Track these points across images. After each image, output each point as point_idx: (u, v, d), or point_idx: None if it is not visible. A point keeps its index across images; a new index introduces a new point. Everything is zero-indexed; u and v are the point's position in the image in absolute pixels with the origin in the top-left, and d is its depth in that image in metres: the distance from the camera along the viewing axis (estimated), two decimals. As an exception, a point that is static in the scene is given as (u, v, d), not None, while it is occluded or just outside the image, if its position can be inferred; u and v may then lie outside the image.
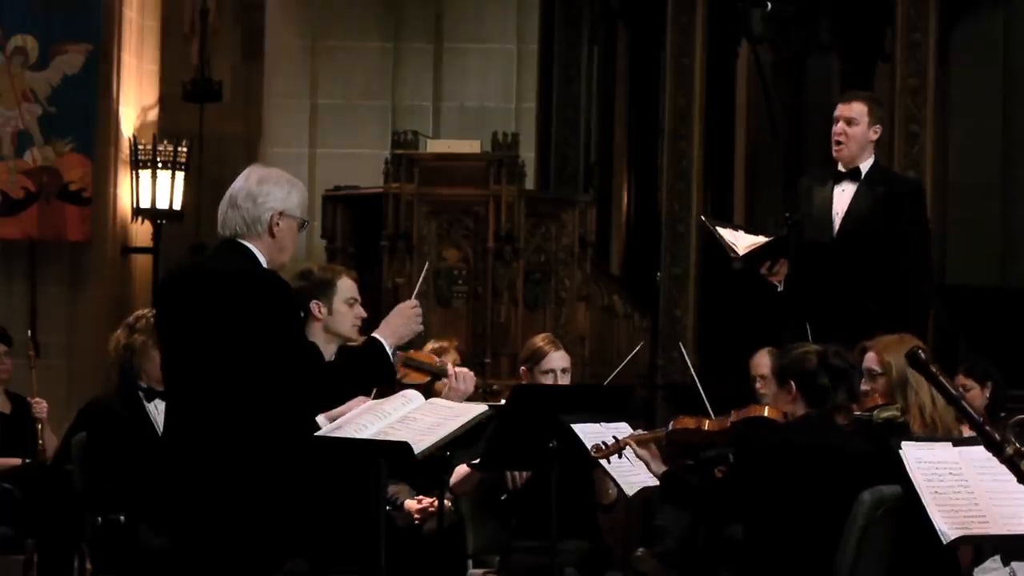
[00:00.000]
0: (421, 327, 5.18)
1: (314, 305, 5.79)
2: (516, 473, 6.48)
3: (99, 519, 6.66)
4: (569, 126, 11.51)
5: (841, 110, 7.23)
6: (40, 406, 8.43)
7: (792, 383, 5.55)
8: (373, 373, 5.05)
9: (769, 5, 10.55)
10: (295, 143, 10.87)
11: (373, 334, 5.05)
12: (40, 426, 8.38)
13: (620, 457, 5.99)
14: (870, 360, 5.79)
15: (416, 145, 10.03)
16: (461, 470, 6.42)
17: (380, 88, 10.93)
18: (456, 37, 10.96)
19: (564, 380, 6.68)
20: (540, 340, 6.82)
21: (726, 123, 11.45)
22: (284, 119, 10.99)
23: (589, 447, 5.89)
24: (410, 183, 9.80)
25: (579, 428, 5.97)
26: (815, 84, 11.69)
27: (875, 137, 7.28)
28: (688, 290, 10.70)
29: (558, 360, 6.68)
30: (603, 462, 5.97)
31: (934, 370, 4.06)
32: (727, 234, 7.29)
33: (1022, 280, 11.68)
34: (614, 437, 5.80)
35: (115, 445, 6.58)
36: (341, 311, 5.80)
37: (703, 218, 7.73)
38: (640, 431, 5.87)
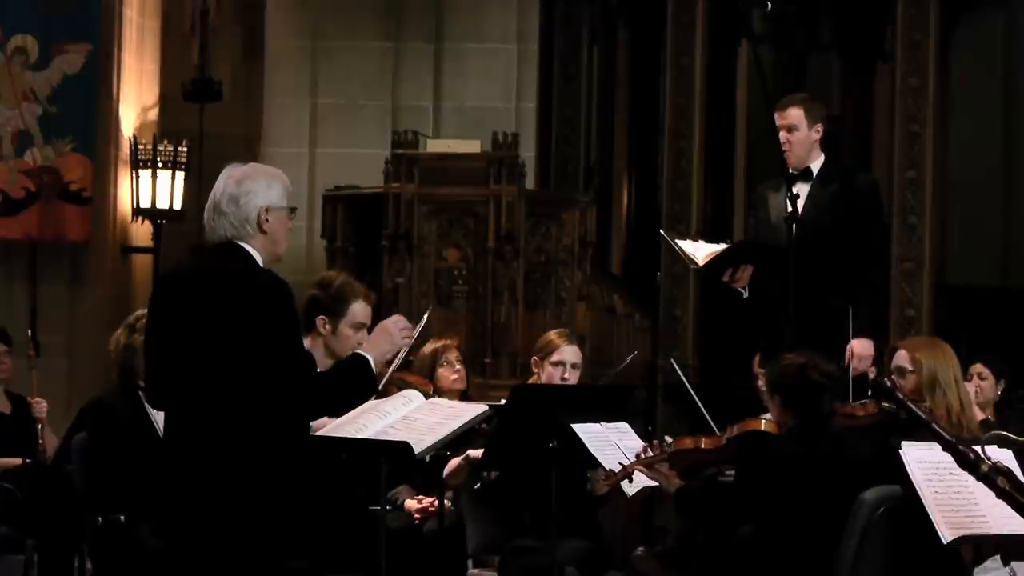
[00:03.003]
0: (407, 342, 5.10)
1: (320, 320, 5.79)
2: None
3: (99, 519, 6.66)
4: (569, 126, 11.51)
5: (778, 119, 7.22)
6: (40, 406, 8.43)
7: (777, 396, 5.63)
8: (356, 388, 4.98)
9: (769, 5, 10.55)
10: (295, 143, 10.87)
11: (357, 350, 5.01)
12: (40, 426, 8.38)
13: (630, 482, 6.02)
14: (901, 358, 5.85)
15: (416, 145, 10.03)
16: (453, 462, 6.43)
17: (380, 88, 10.93)
18: (456, 37, 10.96)
19: (573, 374, 6.73)
20: (554, 333, 6.97)
21: (726, 123, 11.45)
22: (284, 119, 10.99)
23: (600, 475, 5.94)
24: (410, 183, 9.81)
25: (579, 428, 5.98)
26: (815, 84, 11.68)
27: (818, 136, 7.26)
28: (688, 290, 10.71)
29: (569, 354, 6.76)
30: (601, 461, 5.99)
31: (901, 396, 4.09)
32: (687, 246, 7.29)
33: (1022, 280, 11.67)
34: (620, 464, 5.83)
35: (115, 445, 6.57)
36: (345, 334, 5.79)
37: (662, 232, 7.74)
38: (644, 455, 5.87)
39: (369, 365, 4.92)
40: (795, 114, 7.22)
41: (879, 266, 7.37)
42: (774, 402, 5.69)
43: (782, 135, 7.20)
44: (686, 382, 7.52)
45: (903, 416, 5.60)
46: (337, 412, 5.27)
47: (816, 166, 7.26)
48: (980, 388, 7.82)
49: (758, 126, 11.63)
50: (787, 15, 11.31)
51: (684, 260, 7.27)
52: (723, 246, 7.24)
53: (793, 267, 6.89)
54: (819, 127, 7.24)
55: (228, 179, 4.95)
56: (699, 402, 7.23)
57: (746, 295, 7.15)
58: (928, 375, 5.73)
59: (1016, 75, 12.04)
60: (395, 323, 5.05)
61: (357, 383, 4.95)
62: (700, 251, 7.20)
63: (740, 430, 5.77)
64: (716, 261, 7.11)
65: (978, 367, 7.88)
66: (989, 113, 12.02)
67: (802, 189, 7.19)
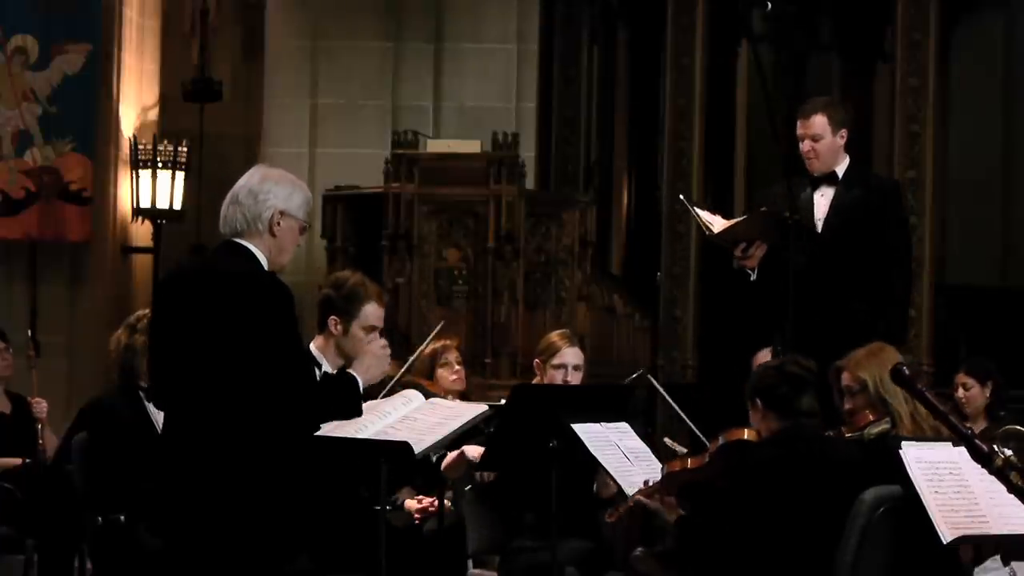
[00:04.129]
0: (388, 366, 5.16)
1: (332, 320, 5.76)
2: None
3: (99, 519, 6.66)
4: (569, 126, 11.53)
5: (803, 128, 7.11)
6: (40, 406, 8.42)
7: (758, 400, 5.58)
8: (344, 407, 4.98)
9: (769, 5, 10.54)
10: (295, 143, 10.88)
11: (348, 370, 5.01)
12: (40, 426, 8.38)
13: (632, 514, 6.02)
14: (845, 379, 5.80)
15: (416, 145, 10.04)
16: (452, 455, 6.41)
17: (380, 88, 10.94)
18: (456, 37, 10.96)
19: (575, 376, 6.70)
20: (556, 335, 6.89)
21: (726, 123, 11.45)
22: (284, 119, 10.99)
23: (605, 513, 5.96)
24: (410, 183, 9.82)
25: (579, 428, 5.97)
26: (815, 84, 11.69)
27: (843, 141, 7.15)
28: (688, 290, 10.72)
29: (571, 356, 6.72)
30: (602, 461, 5.99)
31: (920, 386, 4.06)
32: (704, 214, 7.25)
33: (1022, 280, 11.68)
34: (624, 498, 5.83)
35: (115, 445, 6.57)
36: (357, 336, 5.73)
37: (681, 197, 7.67)
38: (645, 482, 5.87)
39: (358, 388, 4.94)
40: (819, 122, 7.09)
41: (900, 267, 7.29)
42: (755, 409, 5.63)
43: (806, 144, 7.08)
44: (664, 393, 7.49)
45: (886, 423, 5.62)
46: (318, 425, 5.17)
47: (841, 169, 7.16)
48: (966, 399, 7.78)
49: (758, 126, 11.65)
50: (787, 15, 11.31)
51: (701, 227, 7.22)
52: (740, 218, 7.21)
53: (794, 266, 6.87)
54: (843, 132, 7.13)
55: (254, 174, 4.96)
56: (680, 411, 7.23)
57: (753, 277, 7.10)
58: (874, 388, 5.68)
59: (1016, 75, 12.05)
60: (382, 347, 5.10)
61: (345, 402, 4.95)
62: (717, 222, 7.17)
63: (722, 441, 5.76)
64: (732, 230, 7.06)
65: (960, 377, 7.81)
66: (989, 113, 12.03)
67: (827, 193, 7.15)
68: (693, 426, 7.16)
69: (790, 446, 5.48)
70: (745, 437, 5.68)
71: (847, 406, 5.81)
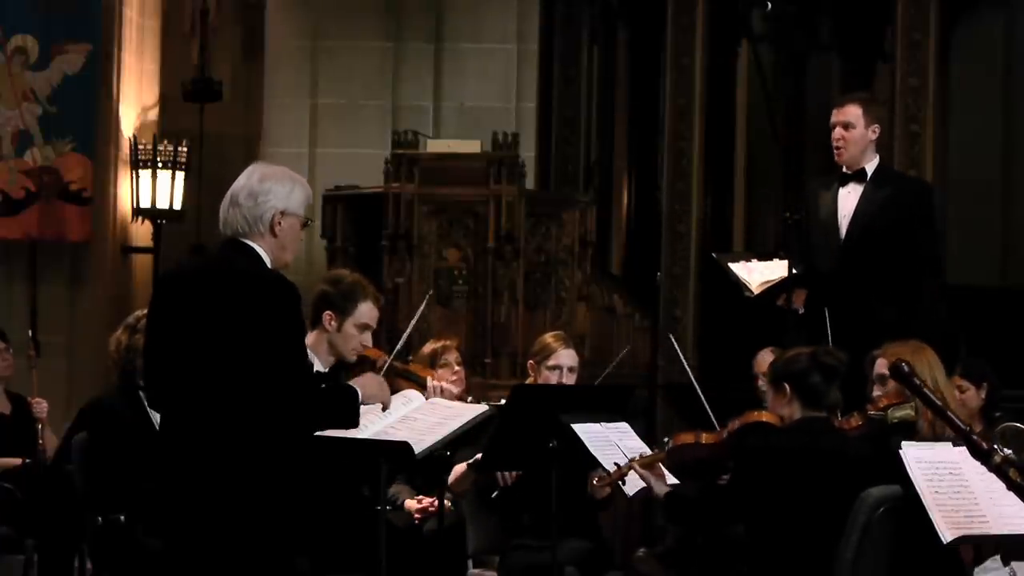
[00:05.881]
0: (389, 400, 5.20)
1: (327, 315, 5.79)
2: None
3: (99, 519, 6.66)
4: (569, 126, 11.52)
5: (836, 115, 7.16)
6: (40, 406, 8.43)
7: (786, 385, 5.57)
8: (342, 417, 4.98)
9: (769, 5, 10.55)
10: (295, 143, 10.88)
11: (351, 382, 5.03)
12: (40, 426, 8.38)
13: (623, 483, 6.01)
14: (881, 366, 5.83)
15: (416, 145, 10.04)
16: (458, 469, 6.44)
17: (380, 88, 10.94)
18: (456, 37, 10.97)
19: (570, 378, 6.71)
20: (550, 336, 6.91)
21: (726, 123, 11.45)
22: (284, 119, 11.00)
23: (596, 477, 5.94)
24: (410, 183, 9.82)
25: (579, 428, 5.98)
26: (815, 84, 11.68)
27: (874, 137, 7.19)
28: (688, 290, 10.71)
29: (566, 358, 6.73)
30: (601, 461, 5.98)
31: (917, 382, 4.08)
32: (739, 270, 7.26)
33: (1022, 280, 11.67)
34: (616, 464, 5.82)
35: (115, 445, 6.58)
36: (349, 332, 5.77)
37: (714, 255, 7.69)
38: (641, 453, 5.87)
39: (357, 399, 4.95)
40: (853, 111, 7.12)
41: (932, 275, 7.29)
42: (779, 394, 5.62)
43: (836, 132, 7.11)
44: (685, 362, 7.47)
45: (911, 409, 5.62)
46: (314, 431, 5.12)
47: (870, 167, 7.17)
48: (961, 401, 7.76)
49: (758, 126, 11.65)
50: (787, 15, 11.30)
51: (738, 285, 7.23)
52: (775, 270, 7.19)
53: (842, 268, 6.84)
54: (876, 128, 7.16)
55: (252, 174, 4.94)
56: (698, 388, 7.20)
57: (801, 311, 7.09)
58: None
59: (1016, 75, 12.04)
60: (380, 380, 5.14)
61: (343, 412, 4.95)
62: (754, 277, 7.17)
63: (741, 422, 5.76)
64: (772, 290, 7.08)
65: (955, 380, 7.79)
66: (989, 113, 12.02)
67: (855, 190, 7.15)
68: (702, 395, 7.14)
69: (814, 437, 5.47)
70: (764, 419, 5.68)
71: (876, 393, 5.83)
